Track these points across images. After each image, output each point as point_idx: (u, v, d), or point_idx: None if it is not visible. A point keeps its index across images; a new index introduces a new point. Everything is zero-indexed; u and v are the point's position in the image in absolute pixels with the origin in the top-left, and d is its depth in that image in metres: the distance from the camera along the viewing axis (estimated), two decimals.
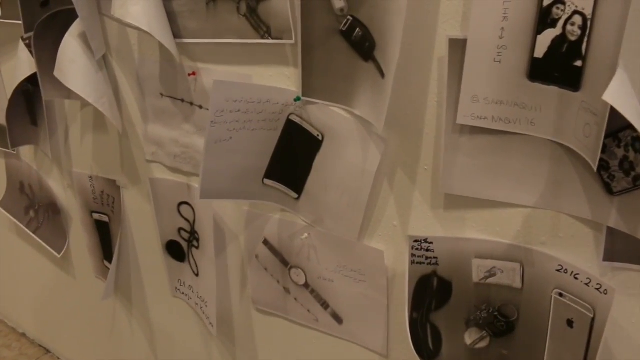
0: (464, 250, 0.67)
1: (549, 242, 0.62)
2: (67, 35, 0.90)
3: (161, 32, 0.78)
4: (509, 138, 0.61)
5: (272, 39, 0.73)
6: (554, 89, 0.56)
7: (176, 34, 0.82)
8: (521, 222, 0.63)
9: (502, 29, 0.57)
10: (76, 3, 0.86)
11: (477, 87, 0.59)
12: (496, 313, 0.68)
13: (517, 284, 0.66)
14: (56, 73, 0.90)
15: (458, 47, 0.59)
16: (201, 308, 1.01)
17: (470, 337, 0.71)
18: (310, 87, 0.72)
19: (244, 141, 0.75)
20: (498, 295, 0.68)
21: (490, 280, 0.67)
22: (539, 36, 0.56)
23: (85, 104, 1.05)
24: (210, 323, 0.97)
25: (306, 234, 0.81)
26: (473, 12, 0.57)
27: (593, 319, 0.59)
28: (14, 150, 1.22)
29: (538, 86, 0.57)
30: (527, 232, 0.63)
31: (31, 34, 0.98)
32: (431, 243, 0.68)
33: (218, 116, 0.72)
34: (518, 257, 0.65)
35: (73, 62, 0.90)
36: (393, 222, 0.73)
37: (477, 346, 0.71)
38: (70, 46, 0.90)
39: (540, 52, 0.56)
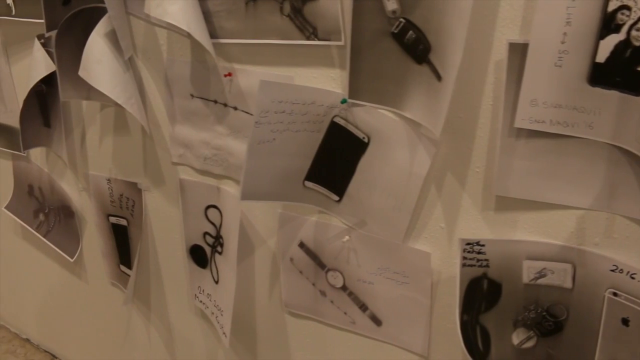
0: (515, 252, 0.68)
1: (602, 243, 0.63)
2: (93, 34, 0.87)
3: (200, 32, 0.77)
4: (565, 141, 0.61)
5: (319, 40, 0.72)
6: (614, 93, 0.57)
7: (211, 34, 0.80)
8: (574, 224, 0.64)
9: (565, 33, 0.57)
10: (107, 1, 0.83)
11: (537, 91, 0.60)
12: (544, 313, 0.69)
13: (568, 284, 0.67)
14: (81, 73, 0.87)
15: (517, 51, 0.60)
16: (216, 317, 0.99)
17: (517, 337, 0.71)
18: (357, 89, 0.71)
19: (286, 143, 0.75)
20: (547, 296, 0.68)
21: (540, 281, 0.68)
22: (601, 41, 0.56)
23: (105, 105, 1.03)
24: (224, 333, 0.96)
25: (347, 237, 0.80)
26: (536, 17, 0.57)
27: None
28: (24, 153, 1.18)
29: (598, 90, 0.58)
30: (580, 233, 0.64)
31: (51, 33, 0.96)
32: (483, 245, 0.69)
33: (262, 117, 0.71)
34: (570, 258, 0.66)
35: (100, 62, 0.88)
36: (440, 224, 0.73)
37: (524, 346, 0.71)
38: (97, 45, 0.87)
39: (602, 57, 0.57)
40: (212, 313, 1.00)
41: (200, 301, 1.03)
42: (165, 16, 0.76)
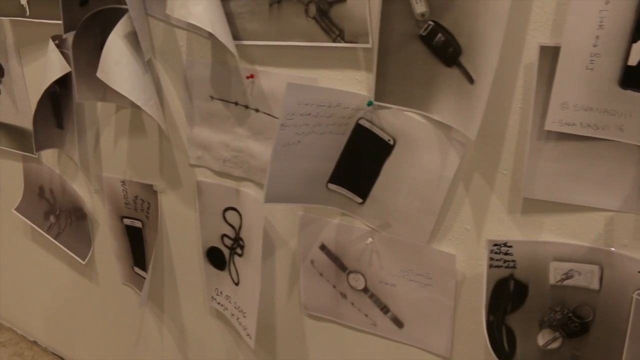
0: (542, 254, 0.68)
1: (631, 245, 0.64)
2: (112, 35, 0.87)
3: (223, 34, 0.77)
4: (595, 143, 0.62)
5: (346, 42, 0.72)
6: None
7: (234, 36, 0.80)
8: (602, 226, 0.65)
9: (597, 37, 0.57)
10: (129, 2, 0.83)
11: (567, 94, 0.60)
12: (570, 314, 0.70)
13: (595, 285, 0.67)
14: (100, 74, 0.87)
15: (548, 54, 0.60)
16: (238, 319, 0.99)
17: (543, 338, 0.72)
18: (384, 91, 0.71)
19: (311, 145, 0.75)
20: (574, 297, 0.69)
21: (567, 282, 0.69)
22: (633, 44, 0.57)
23: (121, 106, 1.02)
24: (248, 334, 0.96)
25: (370, 239, 0.80)
26: (568, 21, 0.58)
27: None
28: (36, 154, 1.18)
29: (630, 93, 0.58)
30: (609, 235, 0.65)
31: (66, 34, 0.95)
32: (510, 247, 0.69)
33: (288, 119, 0.71)
34: (597, 260, 0.66)
35: (119, 63, 0.87)
36: (466, 226, 0.73)
37: (550, 347, 0.72)
38: (116, 47, 0.87)
39: (634, 60, 0.57)
40: (233, 314, 0.99)
41: (218, 303, 1.03)
42: (189, 17, 0.76)
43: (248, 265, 0.95)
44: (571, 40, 0.58)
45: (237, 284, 0.98)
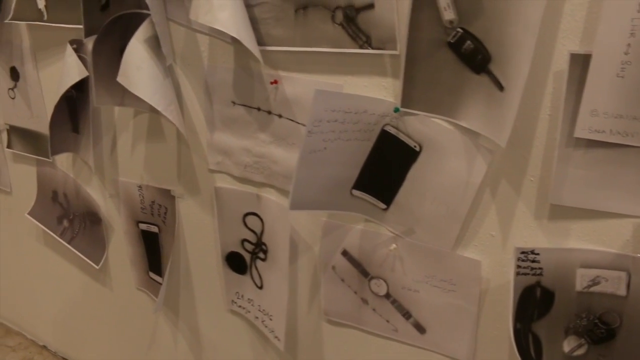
0: (569, 260, 0.69)
1: None
2: (133, 40, 0.87)
3: (248, 39, 0.77)
4: (625, 150, 0.62)
5: (373, 49, 0.72)
6: None
7: (258, 41, 0.80)
8: (630, 232, 0.65)
9: (629, 45, 0.58)
10: (151, 7, 0.83)
11: (598, 101, 0.61)
12: (597, 321, 0.70)
13: (622, 291, 0.67)
14: (120, 79, 0.87)
15: (578, 62, 0.60)
16: (263, 321, 0.99)
17: (568, 344, 0.72)
18: (411, 98, 0.72)
19: (337, 152, 0.75)
20: (600, 303, 0.69)
21: (594, 288, 0.69)
22: None
23: (139, 111, 1.02)
24: (276, 337, 0.96)
25: (394, 245, 0.80)
26: (600, 29, 0.58)
27: None
28: (51, 159, 1.17)
29: None
30: (636, 241, 0.65)
31: (86, 39, 0.95)
32: (537, 254, 0.69)
33: (315, 126, 0.71)
34: (625, 266, 0.66)
35: (140, 68, 0.87)
36: (491, 232, 0.73)
37: (576, 354, 0.72)
38: (137, 51, 0.87)
39: None
40: (257, 317, 0.99)
41: (239, 306, 1.03)
42: (214, 23, 0.76)
43: (273, 270, 0.95)
44: (602, 48, 0.59)
45: (260, 288, 0.98)
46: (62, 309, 1.43)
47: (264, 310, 0.99)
